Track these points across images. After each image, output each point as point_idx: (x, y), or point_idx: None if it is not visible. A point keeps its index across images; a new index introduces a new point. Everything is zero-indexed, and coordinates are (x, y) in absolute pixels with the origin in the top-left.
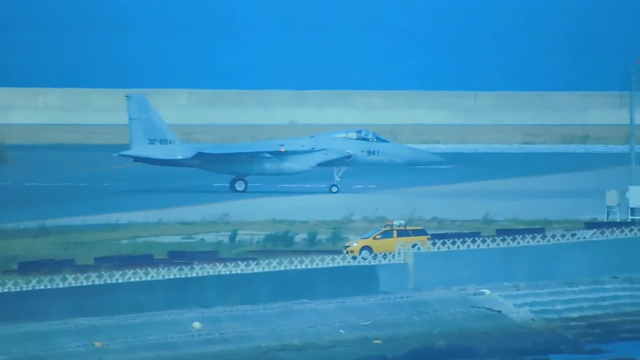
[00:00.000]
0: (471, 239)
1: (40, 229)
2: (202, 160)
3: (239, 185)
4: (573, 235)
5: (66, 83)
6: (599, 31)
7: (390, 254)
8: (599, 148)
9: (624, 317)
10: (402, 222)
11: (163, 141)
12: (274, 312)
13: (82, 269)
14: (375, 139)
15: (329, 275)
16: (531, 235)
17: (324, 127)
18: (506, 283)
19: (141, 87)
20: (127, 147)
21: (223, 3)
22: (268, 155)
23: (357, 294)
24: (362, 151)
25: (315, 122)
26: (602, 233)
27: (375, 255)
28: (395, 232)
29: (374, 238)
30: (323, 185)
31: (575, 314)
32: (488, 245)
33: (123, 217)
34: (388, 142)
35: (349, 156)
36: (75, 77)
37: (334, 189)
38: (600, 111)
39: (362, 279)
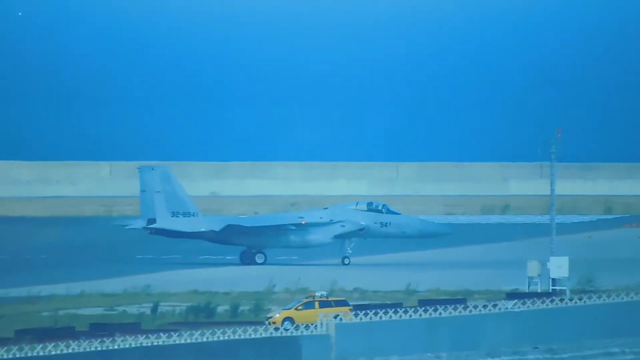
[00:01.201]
0: (393, 310)
1: None
2: (230, 233)
3: (259, 258)
4: (495, 305)
5: None
6: (518, 103)
7: (312, 325)
8: (519, 218)
9: None
10: (324, 293)
11: (186, 214)
12: None
13: (3, 341)
14: (386, 211)
15: (252, 346)
16: (453, 306)
17: (244, 199)
18: (429, 354)
19: (61, 159)
20: (132, 219)
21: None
22: (293, 227)
23: None
24: (375, 223)
25: (236, 194)
26: (524, 303)
27: (298, 326)
28: (317, 303)
29: (296, 309)
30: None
31: None
32: (410, 315)
33: (44, 289)
34: (399, 214)
35: (362, 228)
36: None
37: (346, 260)
38: (520, 182)
39: (284, 350)
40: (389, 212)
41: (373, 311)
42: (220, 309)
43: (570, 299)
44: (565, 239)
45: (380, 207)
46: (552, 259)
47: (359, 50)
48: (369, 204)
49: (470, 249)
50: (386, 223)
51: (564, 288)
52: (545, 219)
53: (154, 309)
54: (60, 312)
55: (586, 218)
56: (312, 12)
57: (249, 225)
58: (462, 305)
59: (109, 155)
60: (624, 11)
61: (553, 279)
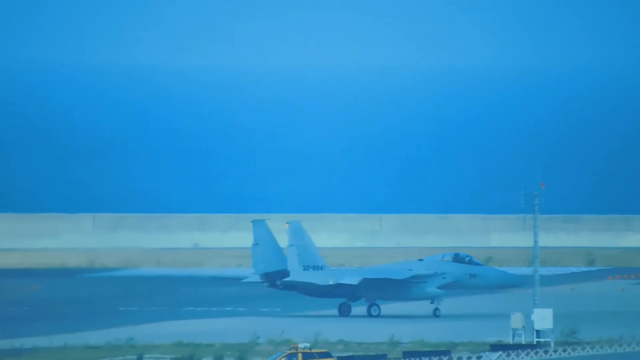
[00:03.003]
0: None
1: None
2: (367, 285)
3: (374, 310)
4: (479, 357)
5: None
6: (501, 155)
7: None
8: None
9: None
10: (307, 344)
11: (316, 267)
12: None
13: None
14: (471, 262)
15: None
16: (437, 358)
17: (227, 252)
18: None
19: (43, 211)
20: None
21: (127, 130)
22: (413, 280)
23: None
24: (465, 274)
25: (219, 246)
26: (508, 355)
27: None
28: (300, 355)
29: None
30: (242, 309)
31: None
32: None
33: (27, 342)
34: (482, 265)
35: (457, 280)
36: None
37: (438, 312)
38: (503, 234)
39: None
40: (473, 263)
41: None
42: None
43: (555, 351)
44: (548, 291)
45: (466, 259)
46: (536, 310)
47: (341, 103)
48: (456, 255)
49: (454, 300)
50: (474, 274)
51: (548, 340)
52: (528, 270)
53: None
54: None
55: (569, 270)
56: (297, 64)
57: (382, 277)
58: (447, 357)
59: (91, 207)
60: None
61: (537, 331)
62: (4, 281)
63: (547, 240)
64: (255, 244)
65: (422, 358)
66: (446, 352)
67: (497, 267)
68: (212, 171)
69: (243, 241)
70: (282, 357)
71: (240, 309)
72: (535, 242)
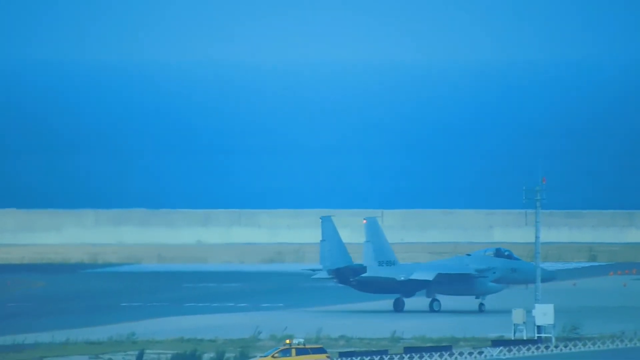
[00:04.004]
0: (379, 357)
1: None
2: (441, 281)
3: (436, 305)
4: (480, 352)
5: None
6: (503, 151)
7: None
8: None
9: None
10: (302, 340)
11: (389, 263)
12: None
13: None
14: (511, 257)
15: None
16: (439, 353)
17: (230, 247)
18: None
19: (46, 207)
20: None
21: (130, 125)
22: (477, 275)
23: None
24: (508, 269)
25: (221, 242)
26: (510, 351)
27: None
28: (294, 351)
29: (273, 356)
30: (244, 305)
31: None
32: None
33: (29, 337)
34: (520, 259)
35: (503, 275)
36: None
37: (483, 307)
38: (505, 229)
39: None
40: (513, 258)
41: (359, 358)
42: (206, 356)
43: (556, 347)
44: (550, 287)
45: (506, 253)
46: (537, 306)
47: (342, 99)
48: (497, 250)
49: (456, 296)
50: (515, 269)
51: (549, 335)
52: (545, 265)
53: (140, 357)
54: None
55: (571, 265)
56: (300, 61)
57: (455, 272)
58: (448, 353)
59: (94, 203)
60: (608, 67)
61: (538, 327)
62: (7, 276)
63: (549, 235)
64: (322, 240)
65: (424, 353)
66: (447, 348)
67: (531, 262)
68: (215, 167)
69: (246, 237)
70: (276, 353)
71: (242, 305)
72: (537, 237)
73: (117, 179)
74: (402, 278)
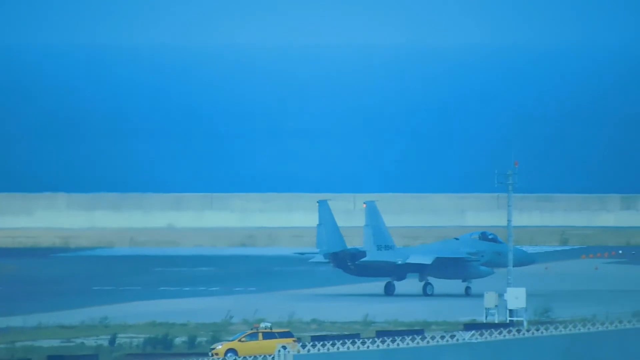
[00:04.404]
0: (351, 341)
1: None
2: (439, 265)
3: (429, 289)
4: (452, 336)
5: None
6: (475, 134)
7: (270, 356)
8: None
9: None
10: (269, 324)
11: (387, 247)
12: None
13: None
14: (495, 240)
15: None
16: (411, 337)
17: (202, 231)
18: None
19: (17, 191)
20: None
21: (101, 108)
22: (472, 258)
23: None
24: (494, 252)
25: (193, 226)
26: (482, 334)
27: (245, 358)
28: (260, 335)
29: (240, 340)
30: (215, 289)
31: None
32: (368, 346)
33: (1, 322)
34: (504, 243)
35: (490, 259)
36: None
37: (469, 290)
38: (477, 213)
39: None
40: (498, 241)
41: (330, 342)
42: (177, 340)
43: (528, 330)
44: (521, 270)
45: (491, 237)
46: (509, 289)
47: (317, 82)
48: (483, 233)
49: (445, 280)
50: (499, 252)
51: (521, 319)
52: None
53: (112, 341)
54: (17, 344)
55: (543, 249)
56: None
57: (452, 256)
58: (420, 336)
59: (66, 186)
60: (580, 53)
61: (510, 310)
62: None
63: (521, 219)
64: (319, 224)
65: (396, 337)
66: (420, 332)
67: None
68: (186, 150)
69: (218, 220)
70: (243, 337)
71: (214, 289)
72: (509, 221)
73: (88, 162)
74: (400, 262)
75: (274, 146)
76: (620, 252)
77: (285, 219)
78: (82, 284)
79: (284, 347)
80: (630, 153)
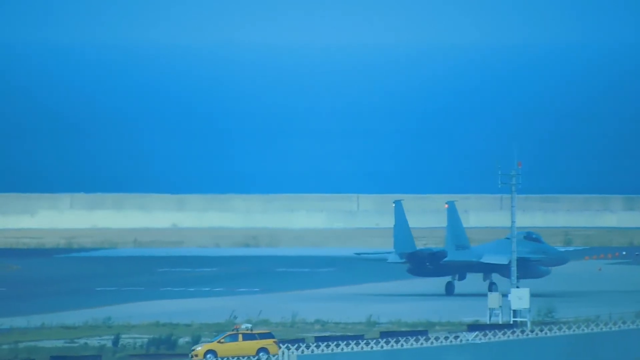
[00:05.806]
0: (355, 341)
1: None
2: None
3: (494, 288)
4: (456, 337)
5: None
6: (478, 135)
7: (274, 356)
8: None
9: None
10: (249, 325)
11: (464, 247)
12: None
13: None
14: (539, 240)
15: None
16: (414, 337)
17: (205, 232)
18: None
19: (21, 191)
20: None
21: (104, 109)
22: (534, 259)
23: None
24: (537, 253)
25: (196, 226)
26: (485, 335)
27: (227, 358)
28: (240, 336)
29: (219, 342)
30: (219, 289)
31: None
32: (372, 347)
33: (4, 322)
34: (545, 243)
35: (539, 259)
36: None
37: (494, 287)
38: (480, 214)
39: None
40: (541, 241)
41: (334, 342)
42: (181, 341)
43: (531, 331)
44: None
45: (535, 237)
46: (513, 290)
47: (317, 82)
48: (528, 234)
49: (431, 281)
50: (545, 252)
51: (524, 319)
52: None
53: (115, 341)
54: (20, 345)
55: None
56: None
57: (520, 257)
58: (424, 337)
59: (69, 187)
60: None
61: (514, 311)
62: None
63: (524, 220)
64: (395, 225)
65: (399, 338)
66: (423, 332)
67: (554, 246)
68: (189, 152)
69: (220, 221)
70: (222, 338)
71: (218, 289)
72: (513, 222)
73: (91, 163)
74: (480, 261)
75: (276, 147)
76: (623, 253)
77: (286, 219)
78: (86, 284)
79: (264, 349)
80: (634, 154)
